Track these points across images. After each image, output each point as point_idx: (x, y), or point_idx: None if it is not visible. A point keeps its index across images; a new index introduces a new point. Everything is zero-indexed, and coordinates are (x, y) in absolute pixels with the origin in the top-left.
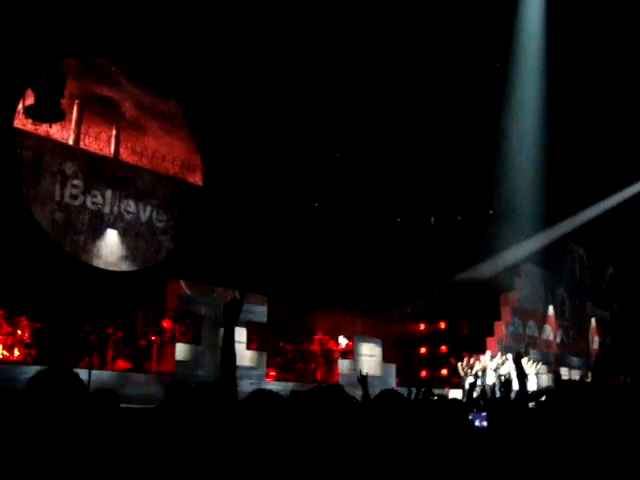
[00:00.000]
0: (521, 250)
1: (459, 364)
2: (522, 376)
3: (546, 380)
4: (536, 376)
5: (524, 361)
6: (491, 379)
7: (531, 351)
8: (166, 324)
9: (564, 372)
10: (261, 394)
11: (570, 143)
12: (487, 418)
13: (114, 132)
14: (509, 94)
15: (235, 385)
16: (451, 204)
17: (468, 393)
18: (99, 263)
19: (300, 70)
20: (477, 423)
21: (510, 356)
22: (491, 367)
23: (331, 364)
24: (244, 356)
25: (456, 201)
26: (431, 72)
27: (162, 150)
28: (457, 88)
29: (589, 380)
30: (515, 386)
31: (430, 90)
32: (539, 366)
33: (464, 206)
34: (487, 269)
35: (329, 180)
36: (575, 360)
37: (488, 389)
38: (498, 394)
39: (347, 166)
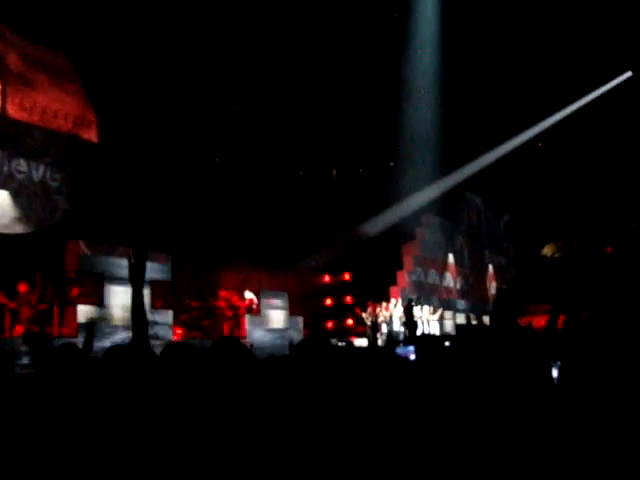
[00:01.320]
0: (420, 198)
1: (364, 314)
2: (411, 324)
3: (449, 325)
4: (438, 322)
5: (425, 309)
6: (397, 326)
7: (434, 298)
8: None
9: (460, 318)
10: (174, 347)
11: (465, 92)
12: (415, 351)
13: (0, 87)
14: (408, 45)
15: (148, 344)
16: (352, 156)
17: (372, 339)
18: None
19: (196, 17)
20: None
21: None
22: (396, 314)
23: (237, 320)
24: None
25: (357, 153)
26: (332, 22)
27: (53, 106)
28: (357, 40)
29: (488, 324)
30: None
31: (330, 41)
32: (440, 312)
33: (365, 158)
34: (388, 218)
35: (230, 134)
36: (464, 304)
37: (394, 335)
38: (402, 338)
39: (247, 119)
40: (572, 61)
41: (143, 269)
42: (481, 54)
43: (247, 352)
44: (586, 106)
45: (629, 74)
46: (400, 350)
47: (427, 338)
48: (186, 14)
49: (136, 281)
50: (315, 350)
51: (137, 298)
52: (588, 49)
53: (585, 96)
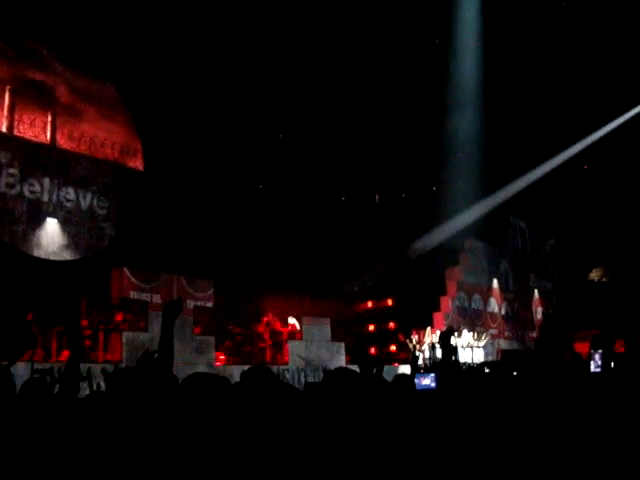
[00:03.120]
0: (463, 220)
1: (410, 340)
2: (447, 352)
3: (491, 352)
4: (483, 348)
5: (467, 335)
6: (439, 353)
7: (478, 324)
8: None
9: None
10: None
11: (507, 113)
12: (435, 379)
13: (49, 118)
14: (449, 67)
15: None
16: (395, 181)
17: (412, 366)
18: (40, 253)
19: (238, 49)
20: (423, 382)
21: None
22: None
23: (279, 345)
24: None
25: (400, 178)
26: (376, 51)
27: (100, 135)
28: (398, 66)
29: (533, 349)
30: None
31: (374, 69)
32: (486, 338)
33: (408, 183)
34: (431, 240)
35: (272, 161)
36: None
37: (439, 362)
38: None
39: (290, 147)
40: (614, 77)
41: (178, 310)
42: (523, 73)
43: (277, 381)
44: (631, 123)
45: None
46: (420, 377)
47: (450, 365)
48: (228, 44)
49: (168, 321)
50: (346, 378)
51: (166, 337)
52: (632, 62)
53: (629, 112)
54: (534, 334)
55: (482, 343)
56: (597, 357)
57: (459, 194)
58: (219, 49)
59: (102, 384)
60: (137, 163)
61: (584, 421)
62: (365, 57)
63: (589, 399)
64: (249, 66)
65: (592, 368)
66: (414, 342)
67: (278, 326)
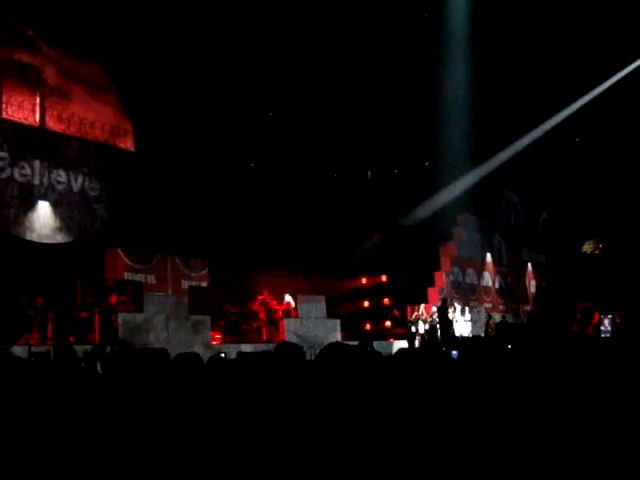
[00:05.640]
0: (454, 191)
1: (414, 314)
2: (445, 324)
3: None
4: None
5: (465, 309)
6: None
7: (472, 298)
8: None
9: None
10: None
11: (494, 95)
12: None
13: (38, 100)
14: (439, 46)
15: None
16: (387, 157)
17: (410, 342)
18: (32, 236)
19: (228, 28)
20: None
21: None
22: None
23: (275, 323)
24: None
25: (391, 154)
26: (366, 29)
27: (90, 116)
28: (389, 44)
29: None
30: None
31: (364, 46)
32: (481, 311)
33: (399, 159)
34: (423, 212)
35: (264, 140)
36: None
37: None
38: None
39: (281, 124)
40: (594, 44)
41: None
42: (509, 48)
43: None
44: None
45: None
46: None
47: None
48: (217, 24)
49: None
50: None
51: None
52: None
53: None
54: (528, 307)
55: (466, 317)
56: (607, 322)
57: (450, 168)
58: (208, 28)
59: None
60: (128, 144)
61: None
62: (359, 37)
63: (603, 365)
64: (239, 45)
65: (602, 334)
66: (422, 315)
67: (273, 304)
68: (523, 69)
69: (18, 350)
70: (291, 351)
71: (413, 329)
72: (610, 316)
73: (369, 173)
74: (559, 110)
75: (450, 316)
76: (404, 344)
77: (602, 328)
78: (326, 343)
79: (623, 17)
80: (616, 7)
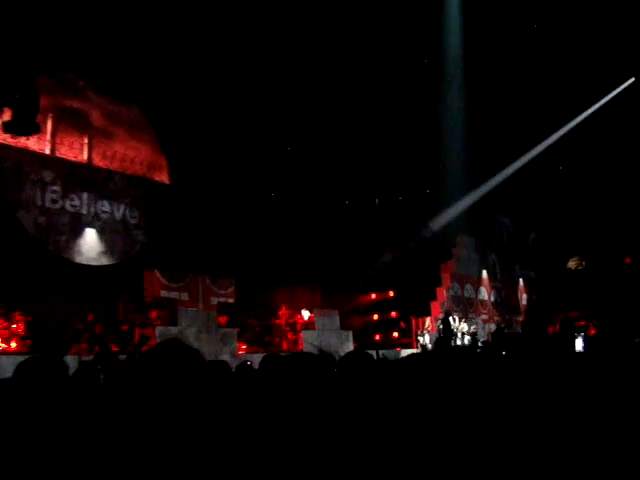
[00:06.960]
0: (451, 215)
1: (426, 325)
2: (447, 334)
3: (483, 335)
4: (471, 335)
5: (463, 322)
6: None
7: (470, 311)
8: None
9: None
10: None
11: (486, 128)
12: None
13: (86, 140)
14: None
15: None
16: (392, 186)
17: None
18: (81, 259)
19: (248, 68)
20: None
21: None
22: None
23: (295, 335)
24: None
25: (397, 183)
26: (372, 66)
27: (130, 154)
28: (393, 91)
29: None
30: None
31: (372, 92)
32: (477, 323)
33: (403, 187)
34: (428, 232)
35: (283, 172)
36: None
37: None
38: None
39: (298, 159)
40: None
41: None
42: (499, 87)
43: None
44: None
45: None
46: None
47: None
48: (241, 70)
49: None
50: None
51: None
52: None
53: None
54: (520, 318)
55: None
56: (580, 340)
57: (449, 194)
58: (232, 74)
59: None
60: (163, 177)
61: (575, 394)
62: (367, 70)
63: (577, 374)
64: (259, 87)
65: (577, 349)
66: (428, 327)
67: (293, 318)
68: (511, 105)
69: (69, 359)
70: (323, 359)
71: (421, 340)
72: (583, 334)
73: (376, 200)
74: (543, 139)
75: (454, 327)
76: (410, 352)
77: (577, 344)
78: (340, 352)
79: (601, 50)
80: (595, 39)
